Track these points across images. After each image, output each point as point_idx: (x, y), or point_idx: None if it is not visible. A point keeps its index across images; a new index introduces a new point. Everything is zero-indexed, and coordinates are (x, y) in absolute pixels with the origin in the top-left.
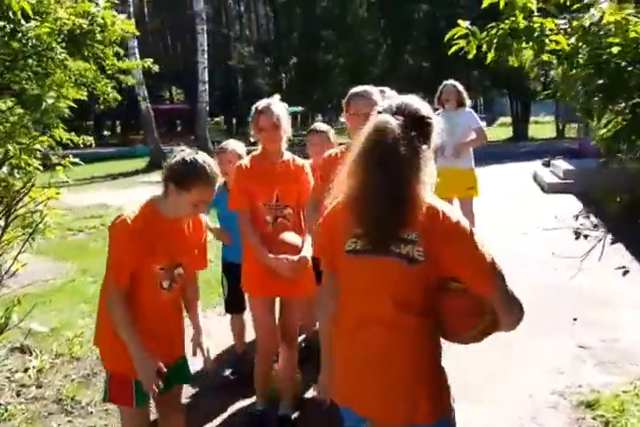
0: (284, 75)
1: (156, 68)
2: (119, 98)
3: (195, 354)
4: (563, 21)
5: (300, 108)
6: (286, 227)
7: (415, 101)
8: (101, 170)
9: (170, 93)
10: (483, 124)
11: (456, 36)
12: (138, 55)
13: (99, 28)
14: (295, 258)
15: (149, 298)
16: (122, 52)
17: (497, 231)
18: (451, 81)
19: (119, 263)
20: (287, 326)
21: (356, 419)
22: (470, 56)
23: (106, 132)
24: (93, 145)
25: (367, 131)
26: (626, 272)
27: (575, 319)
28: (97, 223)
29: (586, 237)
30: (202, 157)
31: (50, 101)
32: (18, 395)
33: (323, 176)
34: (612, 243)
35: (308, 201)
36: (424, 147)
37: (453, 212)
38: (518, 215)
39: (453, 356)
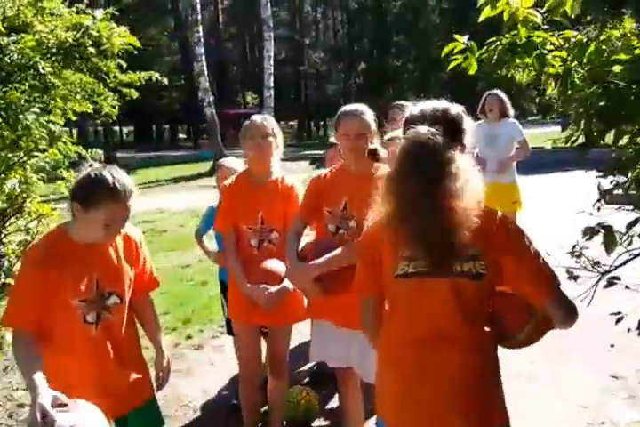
0: (354, 80)
1: (165, 80)
2: (115, 113)
3: (157, 380)
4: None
5: None
6: (272, 252)
7: (443, 103)
8: (167, 173)
9: (243, 98)
10: (547, 128)
11: (455, 51)
12: (204, 62)
13: (90, 42)
14: (274, 289)
15: (73, 337)
16: (124, 64)
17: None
18: (495, 90)
19: (18, 301)
20: (274, 356)
21: None
22: (471, 72)
23: (181, 135)
24: (102, 158)
25: (404, 143)
26: (620, 319)
27: (612, 346)
28: (147, 228)
29: (575, 278)
30: (111, 171)
31: (30, 117)
32: (10, 416)
33: (306, 198)
34: (608, 285)
35: (289, 226)
36: (459, 150)
37: (508, 220)
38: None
39: None
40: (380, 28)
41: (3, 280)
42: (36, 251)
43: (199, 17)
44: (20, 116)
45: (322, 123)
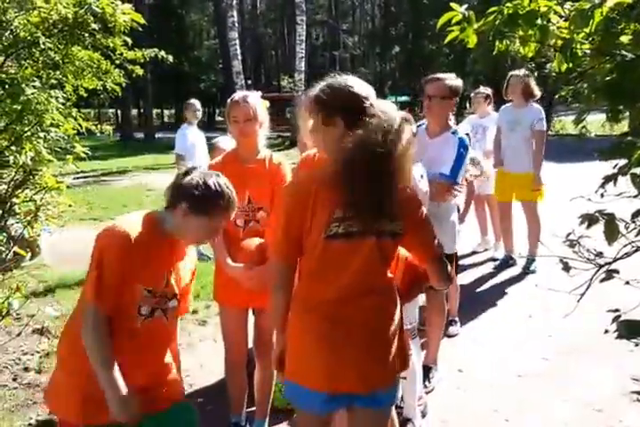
0: (389, 64)
1: (170, 58)
2: (118, 89)
3: None
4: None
5: (406, 98)
6: (258, 231)
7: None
8: None
9: (278, 82)
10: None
11: (453, 22)
12: (238, 46)
13: (92, 18)
14: (258, 268)
15: (123, 327)
16: (130, 41)
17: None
18: (517, 71)
19: (107, 281)
20: (260, 333)
21: (324, 401)
22: (471, 45)
23: (219, 118)
24: (111, 134)
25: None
26: (617, 318)
27: (637, 345)
28: None
29: (568, 269)
30: (225, 181)
31: (29, 91)
32: (14, 379)
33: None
34: (605, 279)
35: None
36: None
37: (418, 196)
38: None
39: (484, 386)
40: (416, 11)
41: (13, 249)
42: (127, 236)
43: (234, 2)
44: (21, 90)
45: None
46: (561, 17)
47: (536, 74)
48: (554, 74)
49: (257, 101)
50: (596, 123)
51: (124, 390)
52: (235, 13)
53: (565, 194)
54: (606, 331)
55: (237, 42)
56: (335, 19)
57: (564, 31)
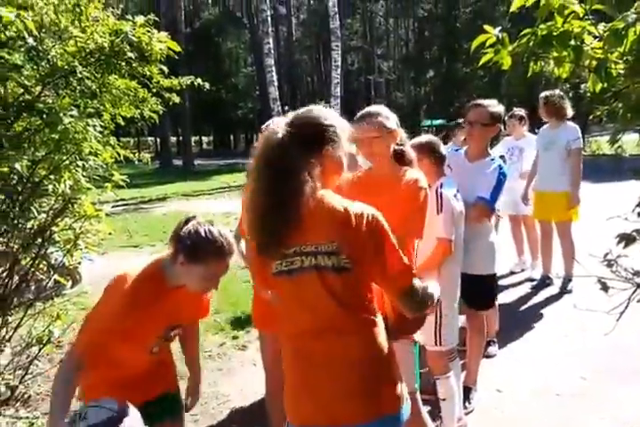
0: (423, 88)
1: (207, 85)
2: (155, 117)
3: (186, 404)
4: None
5: (442, 121)
6: None
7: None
8: (238, 179)
9: None
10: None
11: (487, 44)
12: (274, 73)
13: (128, 47)
14: None
15: (135, 362)
16: (166, 69)
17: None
18: (549, 92)
19: (100, 337)
20: None
21: None
22: (505, 67)
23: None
24: (150, 161)
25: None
26: None
27: None
28: None
29: (606, 289)
30: (216, 229)
31: (67, 121)
32: None
33: None
34: None
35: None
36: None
37: (368, 216)
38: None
39: (522, 406)
40: (450, 35)
41: (53, 277)
42: (134, 289)
43: (269, 29)
44: (59, 120)
45: None
46: (595, 37)
47: (571, 95)
48: (588, 94)
49: None
50: (631, 142)
51: None
52: (270, 40)
53: (602, 214)
54: None
55: (274, 68)
56: (370, 44)
57: (598, 51)
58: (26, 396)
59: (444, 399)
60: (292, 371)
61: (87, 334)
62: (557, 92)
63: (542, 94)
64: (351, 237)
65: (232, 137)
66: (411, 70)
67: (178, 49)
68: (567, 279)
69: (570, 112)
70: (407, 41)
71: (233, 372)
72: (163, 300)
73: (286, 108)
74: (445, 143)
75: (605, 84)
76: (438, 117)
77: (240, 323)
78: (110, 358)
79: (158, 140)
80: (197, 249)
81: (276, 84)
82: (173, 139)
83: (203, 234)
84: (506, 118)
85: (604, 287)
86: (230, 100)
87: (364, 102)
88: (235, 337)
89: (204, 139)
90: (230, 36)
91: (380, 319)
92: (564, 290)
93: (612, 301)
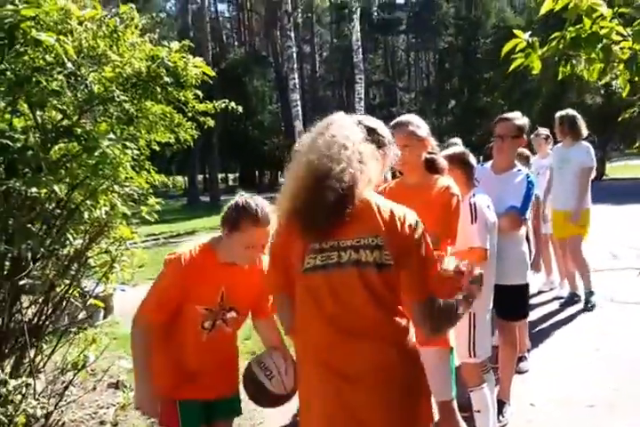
0: (444, 118)
1: (239, 108)
2: (190, 139)
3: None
4: None
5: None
6: None
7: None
8: None
9: None
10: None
11: (516, 50)
12: (300, 108)
13: (165, 71)
14: None
15: (190, 338)
16: (200, 94)
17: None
18: (561, 112)
19: (160, 299)
20: None
21: None
22: (536, 71)
23: (282, 179)
24: (183, 185)
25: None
26: None
27: None
28: None
29: None
30: (255, 200)
31: (105, 144)
32: None
33: None
34: None
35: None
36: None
37: (406, 213)
38: None
39: (555, 419)
40: (469, 65)
41: (89, 302)
42: (181, 259)
43: (295, 65)
44: (97, 145)
45: None
46: (623, 37)
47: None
48: (620, 89)
49: None
50: None
51: (149, 391)
52: (296, 75)
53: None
54: None
55: (299, 103)
56: (392, 77)
57: (627, 51)
58: (60, 423)
59: (478, 411)
60: (317, 381)
61: (148, 296)
62: (573, 112)
63: (558, 114)
64: (396, 234)
65: (257, 173)
66: (432, 101)
67: (212, 74)
68: (589, 293)
69: (585, 132)
70: (428, 73)
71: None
72: (213, 271)
73: None
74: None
75: (636, 78)
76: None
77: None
78: (169, 331)
79: (186, 178)
80: (234, 218)
81: (301, 117)
82: (200, 177)
83: (240, 204)
84: (532, 138)
85: None
86: (257, 137)
87: None
88: (253, 352)
89: (230, 175)
90: (256, 75)
91: (410, 325)
92: (587, 305)
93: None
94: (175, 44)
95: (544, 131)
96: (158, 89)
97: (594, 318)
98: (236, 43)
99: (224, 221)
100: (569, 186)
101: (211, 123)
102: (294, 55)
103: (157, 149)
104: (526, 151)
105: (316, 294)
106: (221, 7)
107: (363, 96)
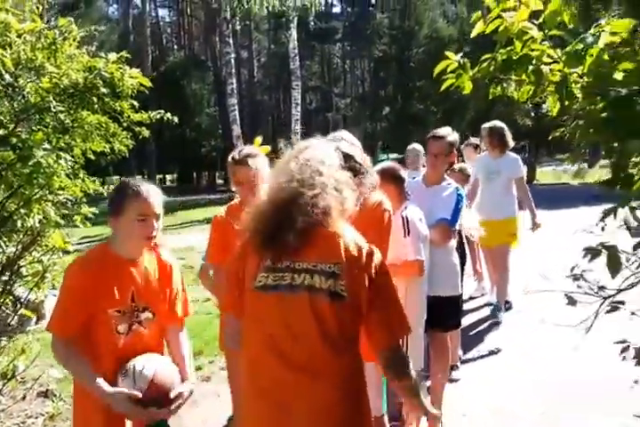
0: (379, 124)
1: (175, 119)
2: (125, 150)
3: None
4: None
5: (397, 155)
6: None
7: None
8: (201, 215)
9: (275, 144)
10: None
11: (448, 71)
12: (237, 112)
13: (101, 82)
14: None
15: (105, 345)
16: (136, 104)
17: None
18: (488, 124)
19: (64, 312)
20: None
21: None
22: (466, 91)
23: (219, 181)
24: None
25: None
26: (625, 349)
27: (636, 382)
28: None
29: (574, 303)
30: (131, 181)
31: (40, 153)
32: None
33: None
34: (611, 310)
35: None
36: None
37: (374, 250)
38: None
39: (484, 425)
40: (404, 74)
41: (20, 311)
42: (77, 263)
43: (232, 71)
44: (32, 154)
45: None
46: (553, 60)
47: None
48: (549, 113)
49: (258, 160)
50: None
51: (112, 391)
52: (234, 81)
53: (557, 239)
54: (623, 358)
55: (236, 107)
56: (328, 84)
57: (557, 74)
58: None
59: (410, 424)
60: (255, 409)
61: (53, 311)
62: (500, 123)
63: (486, 125)
64: (356, 267)
65: (195, 174)
66: (367, 108)
67: (148, 84)
68: (497, 307)
69: (512, 143)
70: (363, 80)
71: (196, 403)
72: (116, 269)
73: (248, 144)
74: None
75: (566, 102)
76: (394, 152)
77: (203, 354)
78: (83, 341)
79: (122, 178)
80: (117, 200)
81: (238, 122)
82: (138, 177)
83: (116, 187)
84: (462, 147)
85: (572, 302)
86: (194, 139)
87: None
88: (198, 368)
89: (168, 176)
90: (195, 79)
91: (360, 361)
92: (493, 318)
93: (574, 316)
94: (112, 55)
95: (474, 140)
96: (95, 99)
97: (525, 326)
98: (175, 46)
99: (109, 211)
100: (497, 197)
101: (146, 133)
102: (232, 61)
103: (93, 158)
104: (467, 169)
105: (264, 314)
106: (162, 12)
107: (299, 102)
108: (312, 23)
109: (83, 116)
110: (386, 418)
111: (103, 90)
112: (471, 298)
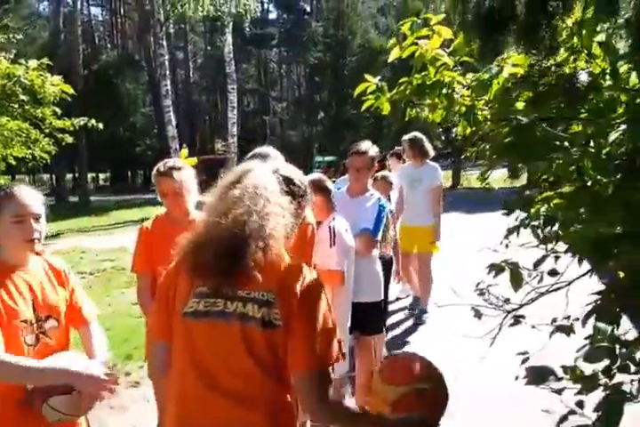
0: (314, 128)
1: (100, 126)
2: (47, 157)
3: None
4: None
5: (332, 158)
6: None
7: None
8: (135, 215)
9: (213, 146)
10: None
11: (368, 91)
12: (172, 113)
13: (21, 90)
14: None
15: (11, 349)
16: (59, 111)
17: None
18: (408, 136)
19: None
20: None
21: None
22: (385, 112)
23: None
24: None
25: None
26: (525, 360)
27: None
28: (109, 266)
29: (479, 316)
30: (8, 183)
31: None
32: None
33: None
34: (514, 324)
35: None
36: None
37: (315, 283)
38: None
39: None
40: (338, 81)
41: None
42: None
43: (167, 72)
44: None
45: None
46: (463, 86)
47: (443, 138)
48: (459, 137)
49: (183, 172)
50: (500, 176)
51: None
52: (168, 82)
53: (474, 244)
54: (516, 377)
55: (171, 108)
56: (265, 87)
57: (467, 99)
58: None
59: None
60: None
61: None
62: (420, 135)
63: (407, 137)
64: (290, 294)
65: (130, 174)
66: (303, 111)
67: (71, 91)
68: (423, 311)
69: (432, 153)
70: (299, 85)
71: (124, 409)
72: (2, 275)
73: (184, 145)
74: (340, 176)
75: (473, 128)
76: (329, 154)
77: (133, 359)
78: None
79: (54, 176)
80: None
81: (174, 123)
82: (69, 175)
83: None
84: (388, 156)
85: (478, 315)
86: (128, 139)
87: (261, 140)
88: (127, 373)
89: (101, 175)
90: (128, 78)
91: (291, 392)
92: (418, 321)
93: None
94: (33, 62)
95: (398, 149)
96: (15, 106)
97: (445, 328)
98: (109, 45)
99: None
100: (420, 204)
101: (69, 139)
102: (166, 63)
103: (14, 163)
104: (390, 177)
105: (193, 342)
106: (95, 10)
107: (236, 105)
108: (248, 29)
109: (2, 123)
110: (309, 424)
111: (23, 97)
112: (397, 299)
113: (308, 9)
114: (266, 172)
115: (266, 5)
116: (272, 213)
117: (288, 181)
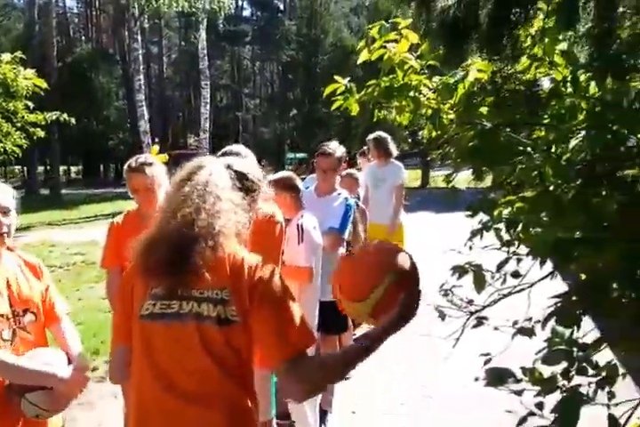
0: (287, 125)
1: (73, 120)
2: (18, 151)
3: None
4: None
5: (303, 155)
6: None
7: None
8: (106, 209)
9: (185, 140)
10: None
11: (337, 92)
12: (145, 108)
13: None
14: None
15: None
16: (31, 105)
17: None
18: (373, 135)
19: None
20: None
21: None
22: (353, 113)
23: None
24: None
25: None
26: (488, 361)
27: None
28: (79, 260)
29: (443, 317)
30: None
31: None
32: None
33: None
34: (477, 325)
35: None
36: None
37: (269, 270)
38: None
39: (373, 422)
40: (310, 79)
41: None
42: None
43: (141, 67)
44: None
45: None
46: (430, 89)
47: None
48: (425, 140)
49: (154, 168)
50: (466, 178)
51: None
52: (141, 77)
53: (441, 244)
54: (476, 379)
55: (144, 103)
56: (238, 83)
57: (433, 102)
58: None
59: (293, 421)
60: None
61: None
62: (384, 134)
63: (371, 136)
64: (245, 289)
65: (102, 167)
66: (276, 108)
67: (44, 86)
68: None
69: (395, 152)
70: (272, 82)
71: (92, 406)
72: None
73: (156, 140)
74: (310, 173)
75: (439, 132)
76: (301, 151)
77: (100, 353)
78: None
79: (25, 168)
80: None
81: (146, 117)
82: (41, 168)
83: None
84: (357, 154)
85: (442, 316)
86: (101, 132)
87: (234, 136)
88: (94, 368)
89: (73, 168)
90: (102, 72)
91: (252, 382)
92: None
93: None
94: (6, 56)
95: (365, 149)
96: None
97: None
98: (83, 38)
99: None
100: (384, 203)
101: (40, 133)
102: (140, 57)
103: None
104: (356, 173)
105: (150, 344)
106: (70, 3)
107: (209, 101)
108: (222, 25)
109: None
110: (274, 422)
111: None
112: None
113: (282, 7)
114: (218, 167)
115: (240, 2)
116: (222, 211)
117: (241, 176)
